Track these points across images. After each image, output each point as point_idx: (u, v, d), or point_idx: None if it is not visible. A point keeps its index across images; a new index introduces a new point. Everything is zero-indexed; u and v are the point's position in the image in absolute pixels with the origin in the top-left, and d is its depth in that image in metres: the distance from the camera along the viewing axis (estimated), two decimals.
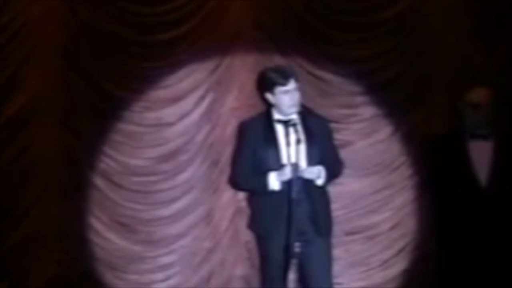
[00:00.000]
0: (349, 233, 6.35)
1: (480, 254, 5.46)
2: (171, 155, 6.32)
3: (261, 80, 5.79)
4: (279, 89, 5.12)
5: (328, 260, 5.30)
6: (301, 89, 5.54)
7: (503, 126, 5.65)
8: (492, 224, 5.47)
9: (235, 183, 5.63)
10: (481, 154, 5.48)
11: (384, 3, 6.40)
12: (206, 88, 6.35)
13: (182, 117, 6.33)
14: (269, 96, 5.25)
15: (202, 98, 6.34)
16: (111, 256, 6.31)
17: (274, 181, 5.13)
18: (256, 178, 5.19)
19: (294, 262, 4.97)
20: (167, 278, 6.34)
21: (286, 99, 5.11)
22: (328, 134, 5.44)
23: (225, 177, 6.10)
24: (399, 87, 6.37)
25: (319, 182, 5.18)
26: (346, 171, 5.79)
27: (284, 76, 5.14)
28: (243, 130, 5.47)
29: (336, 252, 5.82)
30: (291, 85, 5.13)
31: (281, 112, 5.19)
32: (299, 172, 5.01)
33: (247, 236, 6.07)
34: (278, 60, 6.19)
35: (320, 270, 5.22)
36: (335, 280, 5.60)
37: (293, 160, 5.05)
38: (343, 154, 5.81)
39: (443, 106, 6.21)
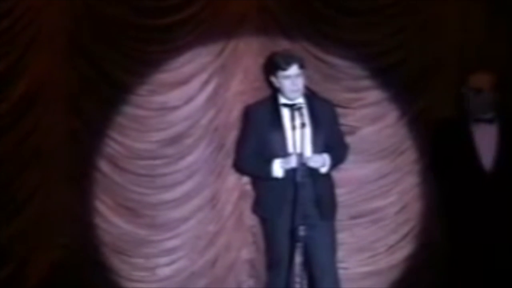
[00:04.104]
0: (354, 217, 6.43)
1: (485, 238, 5.56)
2: (176, 139, 6.37)
3: (267, 64, 5.99)
4: (280, 73, 5.28)
5: (332, 244, 5.44)
6: (307, 74, 5.71)
7: (507, 110, 5.72)
8: (497, 208, 5.57)
9: (240, 168, 5.79)
10: (485, 139, 5.58)
11: None
12: (211, 72, 6.39)
13: (187, 101, 6.37)
14: (273, 79, 5.41)
15: (207, 82, 6.39)
16: (116, 240, 6.38)
17: (278, 169, 5.27)
18: (261, 164, 5.32)
19: (299, 246, 5.10)
20: (172, 262, 6.41)
21: (287, 84, 5.26)
22: (333, 118, 5.57)
23: (229, 161, 6.24)
24: (405, 71, 6.42)
25: (323, 170, 5.33)
26: (352, 157, 5.95)
27: (287, 61, 5.28)
28: (248, 114, 5.60)
29: (342, 236, 5.97)
30: (292, 70, 5.26)
31: (284, 96, 5.34)
32: (304, 160, 5.16)
33: (252, 219, 6.21)
34: (283, 44, 6.25)
35: (324, 254, 5.35)
36: (340, 265, 5.75)
37: (298, 144, 5.20)
38: (350, 140, 5.94)
39: (449, 91, 6.25)
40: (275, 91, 5.49)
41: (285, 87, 5.33)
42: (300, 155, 5.16)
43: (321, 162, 5.29)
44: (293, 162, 5.18)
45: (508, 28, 6.36)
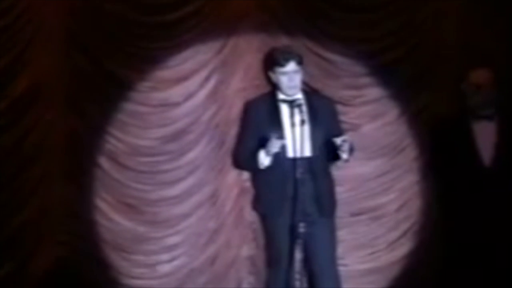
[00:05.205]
0: (354, 214, 6.44)
1: (485, 234, 5.58)
2: (177, 136, 6.37)
3: (266, 59, 5.99)
4: (278, 69, 5.29)
5: (332, 241, 5.44)
6: (306, 70, 5.72)
7: (507, 107, 5.74)
8: (497, 204, 5.59)
9: (238, 163, 5.79)
10: (485, 135, 5.60)
11: None
12: (212, 69, 6.40)
13: (188, 97, 6.38)
14: (271, 75, 5.43)
15: (207, 78, 6.40)
16: (116, 237, 6.38)
17: (263, 157, 5.26)
18: (254, 158, 5.34)
19: (299, 242, 5.12)
20: (173, 259, 6.41)
21: (284, 80, 5.28)
22: (333, 115, 5.58)
23: (230, 158, 6.17)
24: (405, 68, 6.43)
25: (345, 156, 5.28)
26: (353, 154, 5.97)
27: (284, 57, 5.30)
28: (247, 110, 5.61)
29: (342, 233, 5.99)
30: (290, 67, 5.28)
31: (282, 92, 5.35)
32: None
33: (252, 216, 6.20)
34: (283, 41, 6.25)
35: (324, 251, 5.35)
36: (340, 262, 5.77)
37: (297, 141, 5.21)
38: (351, 137, 5.94)
39: (449, 88, 6.26)
40: (274, 87, 5.49)
41: (283, 83, 5.35)
42: (281, 137, 5.14)
43: (349, 143, 5.22)
44: (274, 146, 5.15)
45: (508, 25, 6.37)
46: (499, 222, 5.63)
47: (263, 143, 5.27)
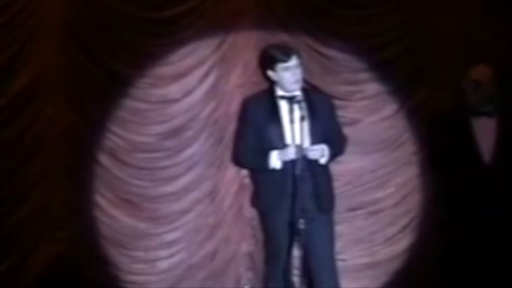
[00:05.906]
0: (353, 209, 6.45)
1: (484, 231, 5.57)
2: (176, 132, 6.39)
3: (263, 57, 5.93)
4: (280, 65, 5.24)
5: (330, 236, 5.40)
6: (305, 66, 5.69)
7: (507, 103, 5.72)
8: (496, 201, 5.57)
9: (238, 161, 5.74)
10: (484, 131, 5.59)
11: None
12: (211, 65, 6.41)
13: (187, 93, 6.39)
14: (270, 73, 5.36)
15: (206, 74, 6.41)
16: (116, 233, 6.40)
17: (275, 160, 5.24)
18: (258, 157, 5.29)
19: (298, 239, 5.09)
20: (172, 255, 6.43)
21: (288, 76, 5.23)
22: (331, 111, 5.53)
23: (229, 154, 6.18)
24: (404, 63, 6.44)
25: (323, 161, 5.30)
26: (351, 149, 5.93)
27: (286, 53, 5.25)
28: (246, 107, 5.56)
29: (340, 228, 5.98)
30: (293, 61, 5.24)
31: (284, 89, 5.30)
32: (303, 152, 5.14)
33: (251, 212, 6.21)
34: (282, 37, 6.27)
35: (322, 247, 5.30)
36: (339, 257, 5.77)
37: (297, 137, 5.17)
38: (349, 131, 5.92)
39: (448, 83, 6.26)
40: (273, 84, 5.46)
41: (285, 79, 5.29)
42: (299, 148, 5.13)
43: (320, 153, 5.26)
44: (291, 154, 5.16)
45: (507, 22, 6.37)
46: (498, 219, 5.61)
47: (268, 144, 5.27)
